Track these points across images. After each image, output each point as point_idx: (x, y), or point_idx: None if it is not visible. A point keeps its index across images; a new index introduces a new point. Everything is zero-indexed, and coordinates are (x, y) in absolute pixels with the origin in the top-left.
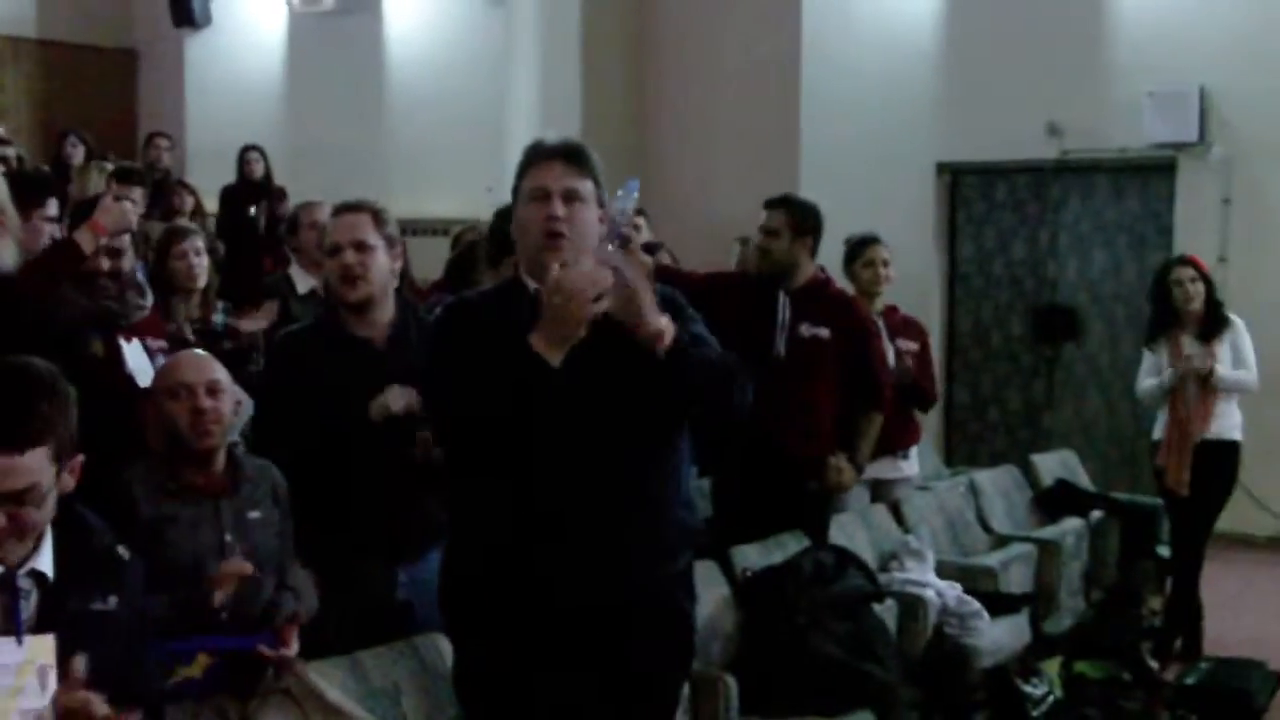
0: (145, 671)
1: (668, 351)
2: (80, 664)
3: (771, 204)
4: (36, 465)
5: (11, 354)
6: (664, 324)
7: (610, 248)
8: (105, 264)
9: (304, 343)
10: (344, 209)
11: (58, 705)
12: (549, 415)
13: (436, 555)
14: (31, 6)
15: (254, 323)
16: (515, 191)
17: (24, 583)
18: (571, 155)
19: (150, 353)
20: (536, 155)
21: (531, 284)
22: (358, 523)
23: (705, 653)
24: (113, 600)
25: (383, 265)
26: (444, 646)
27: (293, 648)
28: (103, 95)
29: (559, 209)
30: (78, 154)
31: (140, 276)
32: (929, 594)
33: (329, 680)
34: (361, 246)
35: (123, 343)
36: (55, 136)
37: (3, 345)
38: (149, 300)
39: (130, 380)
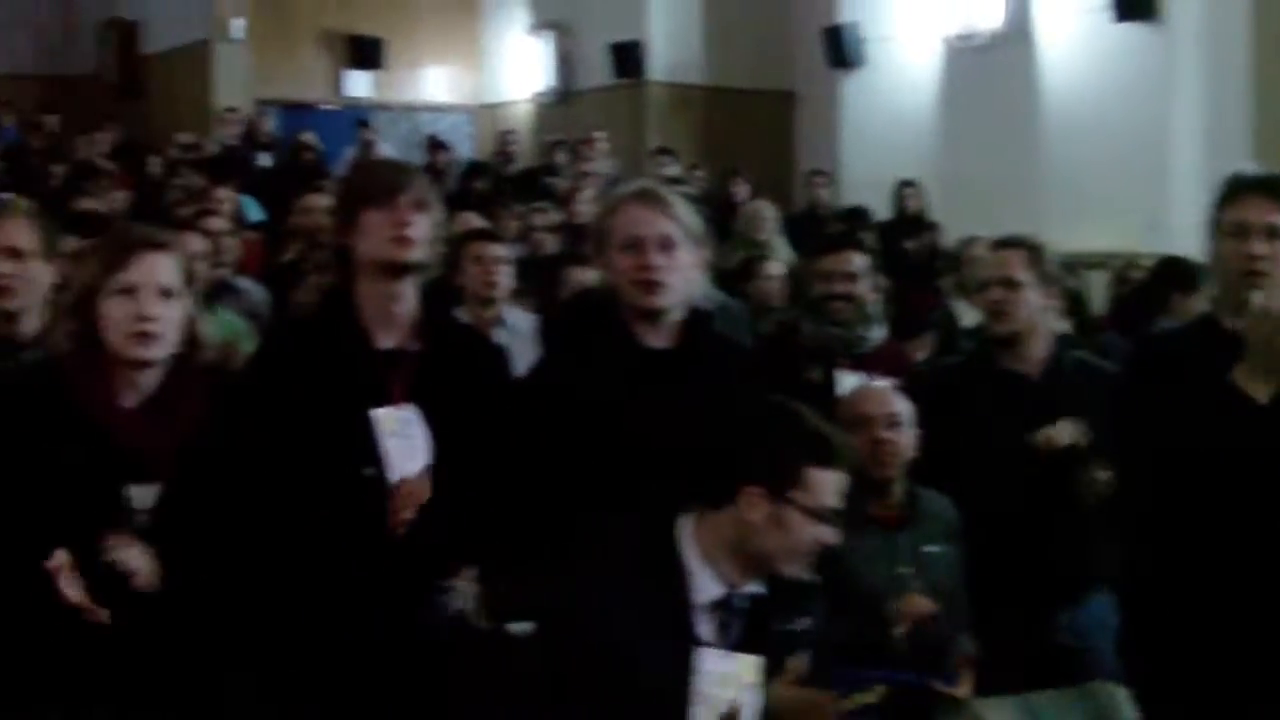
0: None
1: None
2: (801, 664)
3: None
4: None
5: None
6: None
7: None
8: (839, 287)
9: (955, 376)
10: (999, 245)
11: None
12: (1254, 453)
13: (1100, 599)
14: (701, 57)
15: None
16: (1214, 225)
17: (740, 603)
18: (1274, 189)
19: None
20: (1236, 189)
21: (1230, 322)
22: (1015, 563)
23: None
24: (805, 621)
25: (1031, 302)
26: (1118, 695)
27: (967, 687)
28: (763, 136)
29: (1258, 247)
30: (742, 192)
31: (875, 309)
32: None
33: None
34: (1009, 283)
35: (843, 373)
36: (720, 176)
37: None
38: (878, 333)
39: None
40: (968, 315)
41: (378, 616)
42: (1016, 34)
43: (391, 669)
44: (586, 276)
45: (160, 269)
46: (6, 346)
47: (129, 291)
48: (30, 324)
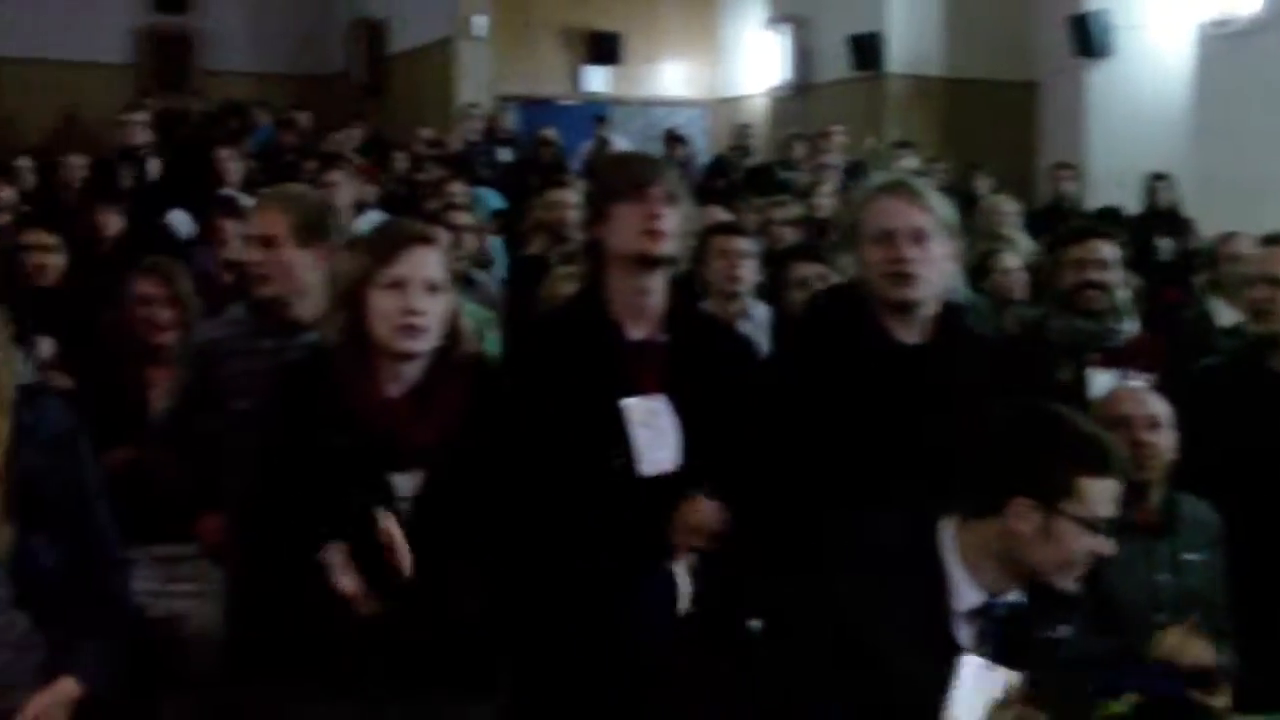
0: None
1: None
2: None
3: None
4: None
5: None
6: None
7: None
8: (1091, 275)
9: (1219, 377)
10: (1267, 241)
11: None
12: None
13: None
14: (941, 48)
15: None
16: None
17: (1000, 611)
18: None
19: None
20: None
21: None
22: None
23: None
24: (1063, 629)
25: None
26: None
27: (1226, 701)
28: (1005, 128)
29: None
30: (983, 186)
31: (1126, 302)
32: None
33: None
34: (1275, 281)
35: (1095, 371)
36: (959, 168)
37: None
38: (1130, 327)
39: None
40: (1224, 314)
41: (624, 605)
42: (1277, 19)
43: (632, 658)
44: (812, 271)
45: (427, 263)
46: (287, 330)
47: (397, 285)
48: (306, 307)
